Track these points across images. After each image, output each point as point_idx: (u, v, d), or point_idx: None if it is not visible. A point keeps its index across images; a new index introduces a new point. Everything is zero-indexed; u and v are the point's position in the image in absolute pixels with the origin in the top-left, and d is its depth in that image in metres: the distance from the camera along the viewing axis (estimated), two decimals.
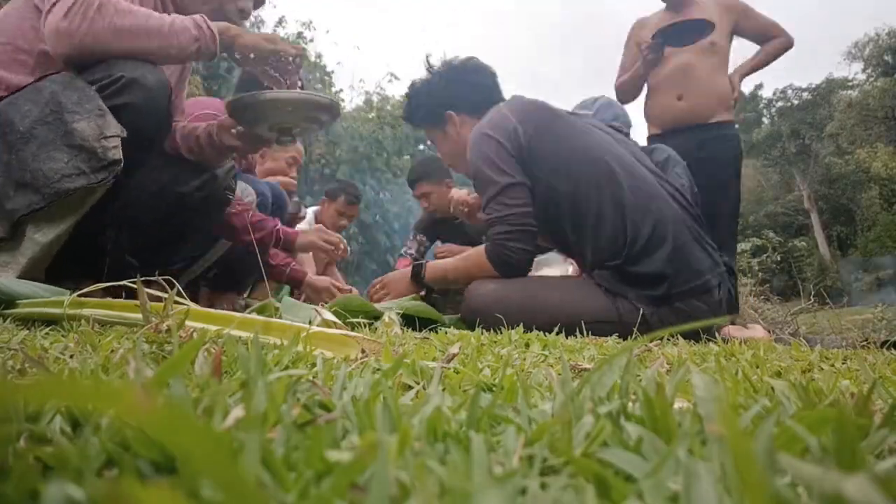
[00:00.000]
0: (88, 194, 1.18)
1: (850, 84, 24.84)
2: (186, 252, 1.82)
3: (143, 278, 0.67)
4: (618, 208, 1.46)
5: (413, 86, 1.86)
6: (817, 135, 24.51)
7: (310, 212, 3.16)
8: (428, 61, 1.83)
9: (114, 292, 0.96)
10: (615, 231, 1.46)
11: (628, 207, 1.45)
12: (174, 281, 0.71)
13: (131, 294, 0.73)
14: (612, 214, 1.46)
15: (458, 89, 1.78)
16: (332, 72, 14.69)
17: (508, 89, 1.92)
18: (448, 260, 1.73)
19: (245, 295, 2.21)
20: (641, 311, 1.38)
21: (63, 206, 1.17)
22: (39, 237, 1.17)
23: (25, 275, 1.13)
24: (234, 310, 1.11)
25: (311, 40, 14.12)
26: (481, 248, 1.64)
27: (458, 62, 1.82)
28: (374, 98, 13.89)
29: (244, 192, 1.88)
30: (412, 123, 1.94)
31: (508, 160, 1.54)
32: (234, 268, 1.99)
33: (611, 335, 1.14)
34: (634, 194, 1.46)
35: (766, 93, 27.70)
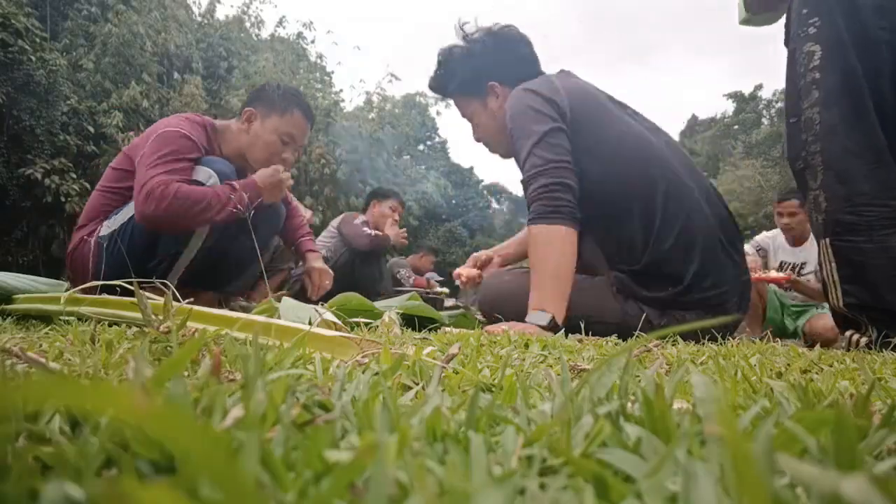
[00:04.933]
0: None
1: None
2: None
3: (139, 279, 0.67)
4: (645, 215, 1.40)
5: (447, 52, 1.67)
6: None
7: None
8: (462, 28, 1.66)
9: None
10: (635, 236, 1.41)
11: (657, 216, 1.39)
12: (169, 284, 0.71)
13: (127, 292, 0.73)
14: (637, 221, 1.41)
15: (502, 58, 1.62)
16: (333, 72, 14.71)
17: None
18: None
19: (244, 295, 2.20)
20: (646, 317, 1.35)
21: None
22: None
23: None
24: (233, 310, 1.11)
25: (313, 41, 14.15)
26: (523, 235, 1.59)
27: (499, 29, 1.64)
28: (375, 98, 13.91)
29: (208, 178, 1.77)
30: (443, 93, 1.76)
31: (550, 110, 1.41)
32: (213, 266, 1.92)
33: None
34: (666, 203, 1.40)
35: (766, 93, 27.65)
